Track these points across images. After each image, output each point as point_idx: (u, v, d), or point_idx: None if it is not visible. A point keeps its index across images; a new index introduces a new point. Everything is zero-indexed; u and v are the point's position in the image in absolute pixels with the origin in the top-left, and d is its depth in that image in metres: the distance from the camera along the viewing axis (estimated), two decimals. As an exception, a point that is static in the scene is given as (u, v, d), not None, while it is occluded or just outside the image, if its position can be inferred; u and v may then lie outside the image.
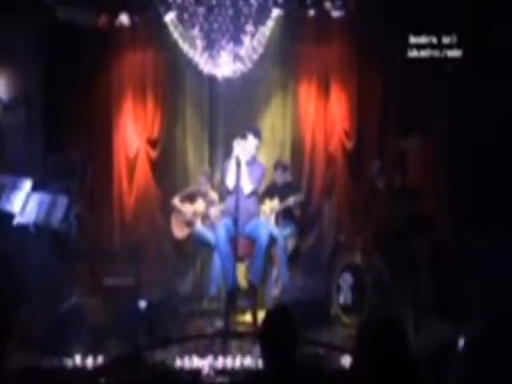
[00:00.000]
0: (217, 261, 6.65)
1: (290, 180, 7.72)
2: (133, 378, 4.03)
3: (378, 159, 6.97)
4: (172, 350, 4.69)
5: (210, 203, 7.61)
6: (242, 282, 6.45)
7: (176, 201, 7.73)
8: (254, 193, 6.10)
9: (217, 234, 5.96)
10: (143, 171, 8.26)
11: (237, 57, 7.64)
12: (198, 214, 7.59)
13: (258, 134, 6.25)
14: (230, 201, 5.99)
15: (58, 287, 5.54)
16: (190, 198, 7.75)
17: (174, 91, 8.33)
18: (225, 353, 4.69)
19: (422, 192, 5.79)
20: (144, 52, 8.25)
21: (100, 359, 4.58)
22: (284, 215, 7.50)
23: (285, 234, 7.30)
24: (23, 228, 5.40)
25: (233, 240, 5.75)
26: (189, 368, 4.36)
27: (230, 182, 5.92)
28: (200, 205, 7.65)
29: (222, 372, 4.15)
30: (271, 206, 7.48)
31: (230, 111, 8.18)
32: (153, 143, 8.28)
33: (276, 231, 7.29)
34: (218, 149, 8.31)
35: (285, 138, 8.23)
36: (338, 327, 6.57)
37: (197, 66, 7.79)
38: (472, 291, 3.39)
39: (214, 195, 7.69)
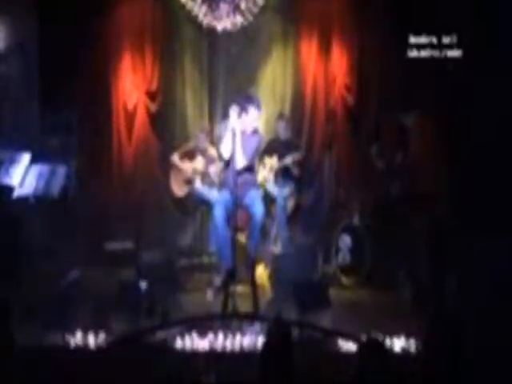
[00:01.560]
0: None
1: (291, 136, 7.64)
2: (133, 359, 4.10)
3: (377, 140, 6.90)
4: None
5: (209, 161, 7.54)
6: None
7: (175, 158, 7.66)
8: (249, 165, 5.94)
9: (214, 214, 5.83)
10: (142, 124, 8.19)
11: (236, 9, 7.46)
12: (198, 172, 7.53)
13: (259, 106, 5.94)
14: (228, 174, 5.86)
15: (59, 257, 5.59)
16: (189, 155, 7.67)
17: (172, 43, 8.17)
18: (225, 330, 4.75)
19: (421, 170, 5.77)
20: (142, 2, 8.08)
21: (101, 336, 4.65)
22: (283, 174, 7.46)
23: (284, 194, 7.29)
24: (23, 200, 5.39)
25: (231, 220, 5.67)
26: (190, 349, 4.44)
27: (226, 152, 5.78)
28: (199, 162, 7.58)
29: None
30: (270, 163, 7.44)
31: (230, 64, 8.08)
32: (152, 96, 8.17)
33: (275, 191, 7.30)
34: (218, 102, 8.19)
35: (285, 91, 8.13)
36: (337, 289, 6.65)
37: (196, 18, 7.65)
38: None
39: (213, 152, 7.61)
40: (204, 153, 7.62)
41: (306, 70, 8.04)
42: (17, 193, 5.17)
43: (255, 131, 5.97)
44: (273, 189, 7.30)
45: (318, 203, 7.90)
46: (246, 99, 5.90)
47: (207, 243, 7.40)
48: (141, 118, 8.17)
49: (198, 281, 7.09)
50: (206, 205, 7.27)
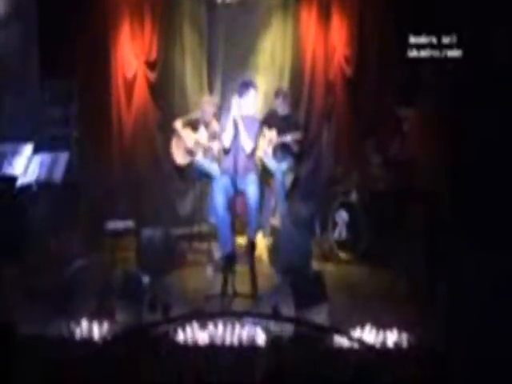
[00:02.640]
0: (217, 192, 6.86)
1: (290, 112, 7.69)
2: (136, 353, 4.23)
3: (373, 135, 6.94)
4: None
5: (212, 135, 7.53)
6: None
7: (178, 124, 7.61)
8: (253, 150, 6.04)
9: (214, 201, 5.95)
10: (142, 93, 8.21)
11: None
12: (200, 145, 7.56)
13: (255, 86, 6.04)
14: (228, 160, 5.95)
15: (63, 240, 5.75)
16: (192, 125, 7.65)
17: (172, 13, 8.13)
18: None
19: (416, 165, 5.83)
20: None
21: (106, 325, 4.81)
22: (282, 149, 7.55)
23: (283, 169, 7.41)
24: (26, 187, 5.51)
25: (230, 204, 5.81)
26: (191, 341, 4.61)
27: (227, 142, 5.85)
28: (202, 135, 7.58)
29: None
30: (269, 136, 7.50)
31: (229, 34, 8.11)
32: (151, 65, 8.18)
33: (274, 165, 7.40)
34: (217, 71, 8.22)
35: (284, 62, 8.16)
36: (334, 264, 6.92)
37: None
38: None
39: (216, 126, 7.59)
40: (207, 125, 7.60)
41: (306, 40, 8.06)
42: (20, 181, 5.28)
43: (253, 115, 6.04)
44: (271, 163, 7.40)
45: (316, 174, 8.04)
46: (243, 84, 5.94)
47: (207, 212, 7.56)
48: (140, 87, 8.19)
49: (198, 250, 7.33)
50: (207, 177, 7.38)
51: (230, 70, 8.08)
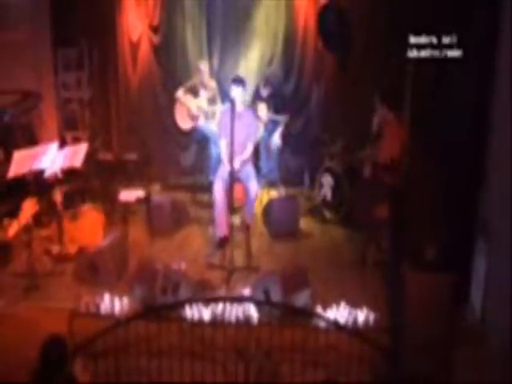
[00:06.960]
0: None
1: (281, 80, 8.45)
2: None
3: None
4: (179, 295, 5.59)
5: (211, 98, 8.19)
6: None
7: (179, 93, 8.26)
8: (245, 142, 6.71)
9: (214, 188, 6.74)
10: (146, 55, 8.91)
11: None
12: (201, 110, 8.19)
13: (244, 83, 6.73)
14: (227, 150, 6.54)
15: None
16: (193, 91, 8.26)
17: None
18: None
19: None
20: None
21: (125, 301, 5.58)
22: (272, 122, 8.23)
23: (273, 139, 8.22)
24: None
25: (227, 193, 6.51)
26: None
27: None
28: (202, 99, 8.20)
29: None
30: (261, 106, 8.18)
31: (227, 2, 8.60)
32: (154, 29, 8.80)
33: (265, 136, 8.21)
34: (216, 37, 8.75)
35: (278, 28, 8.61)
36: (320, 223, 7.83)
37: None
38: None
39: (214, 86, 8.26)
40: (206, 88, 8.22)
41: (299, 6, 8.50)
42: (47, 172, 6.12)
43: (251, 112, 6.79)
44: (263, 135, 8.16)
45: (305, 133, 8.78)
46: (234, 81, 6.67)
47: (208, 162, 8.39)
48: (145, 49, 8.88)
49: (200, 203, 8.26)
50: (208, 138, 8.25)
51: (228, 35, 8.67)
